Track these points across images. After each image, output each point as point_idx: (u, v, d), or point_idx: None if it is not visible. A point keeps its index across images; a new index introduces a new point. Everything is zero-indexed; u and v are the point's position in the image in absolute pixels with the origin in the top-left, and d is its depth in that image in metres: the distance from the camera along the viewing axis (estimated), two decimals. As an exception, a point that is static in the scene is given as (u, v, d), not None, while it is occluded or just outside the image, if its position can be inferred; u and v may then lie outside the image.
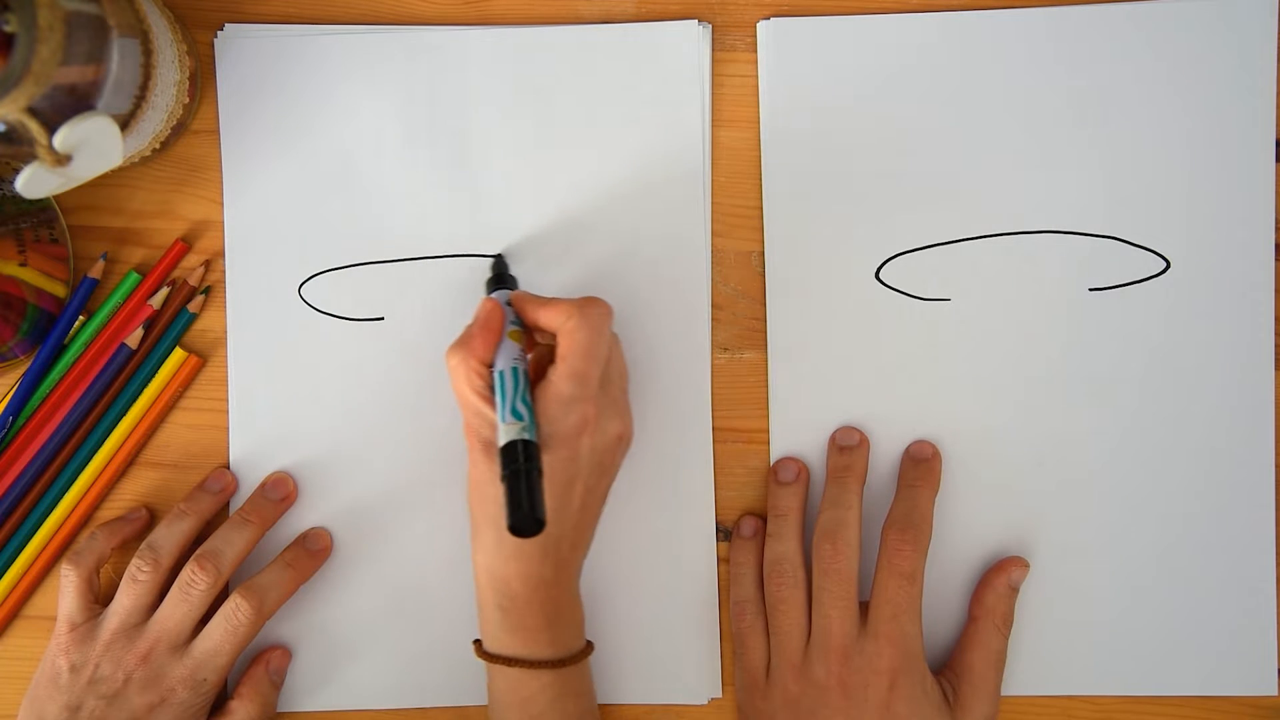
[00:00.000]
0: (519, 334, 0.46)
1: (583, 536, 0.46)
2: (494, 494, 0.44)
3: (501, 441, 0.41)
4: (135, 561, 0.49)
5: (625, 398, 0.47)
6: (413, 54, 0.51)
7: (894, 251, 0.51)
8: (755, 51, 0.51)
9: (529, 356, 0.46)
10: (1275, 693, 0.51)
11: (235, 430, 0.52)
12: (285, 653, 0.51)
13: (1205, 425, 0.51)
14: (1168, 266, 0.51)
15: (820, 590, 0.48)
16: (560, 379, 0.44)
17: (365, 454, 0.52)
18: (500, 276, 0.50)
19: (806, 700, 0.47)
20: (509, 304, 0.47)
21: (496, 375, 0.44)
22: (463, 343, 0.45)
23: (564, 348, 0.44)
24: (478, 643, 0.48)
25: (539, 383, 0.44)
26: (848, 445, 0.51)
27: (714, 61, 0.51)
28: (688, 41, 0.51)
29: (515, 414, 0.42)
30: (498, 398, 0.43)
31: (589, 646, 0.48)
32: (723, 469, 0.52)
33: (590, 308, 0.44)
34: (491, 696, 0.48)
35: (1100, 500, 0.51)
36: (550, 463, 0.43)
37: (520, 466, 0.40)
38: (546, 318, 0.45)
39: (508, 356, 0.44)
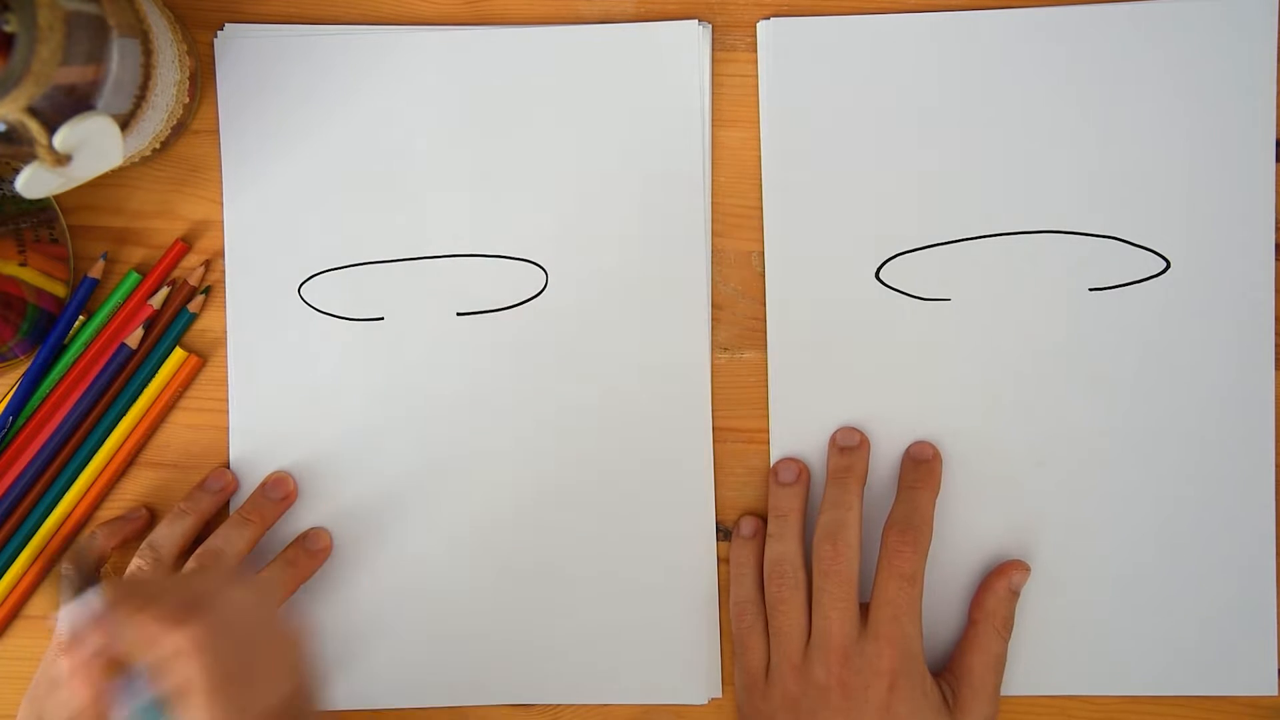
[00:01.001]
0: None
1: None
2: None
3: None
4: (135, 561, 0.49)
5: (285, 656, 0.42)
6: (413, 54, 0.51)
7: (894, 251, 0.51)
8: (755, 51, 0.51)
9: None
10: (1275, 693, 0.51)
11: (235, 430, 0.52)
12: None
13: (1205, 425, 0.51)
14: (1168, 266, 0.50)
15: (820, 591, 0.48)
16: None
17: (365, 454, 0.52)
18: (83, 574, 0.44)
19: (806, 701, 0.47)
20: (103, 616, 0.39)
21: None
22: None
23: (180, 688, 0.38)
24: None
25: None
26: (848, 446, 0.51)
27: (714, 61, 0.51)
28: (687, 41, 0.51)
29: None
30: None
31: None
32: (723, 469, 0.52)
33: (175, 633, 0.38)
34: None
35: (1100, 500, 0.51)
36: None
37: None
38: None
39: (133, 693, 0.38)
